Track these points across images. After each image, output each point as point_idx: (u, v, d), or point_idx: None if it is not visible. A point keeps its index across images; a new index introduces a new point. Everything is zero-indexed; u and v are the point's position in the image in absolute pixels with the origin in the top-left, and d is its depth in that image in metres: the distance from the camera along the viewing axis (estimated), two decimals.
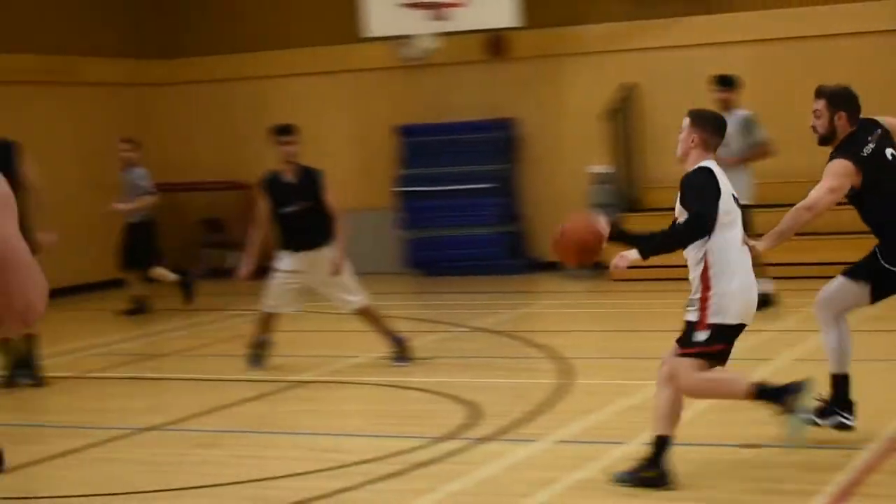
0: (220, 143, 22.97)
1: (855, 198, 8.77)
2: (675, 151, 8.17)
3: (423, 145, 21.17)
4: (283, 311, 13.19)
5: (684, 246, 7.85)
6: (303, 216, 12.70)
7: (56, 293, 20.40)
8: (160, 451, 9.99)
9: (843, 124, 8.81)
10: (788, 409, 7.85)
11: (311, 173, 12.97)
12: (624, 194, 20.17)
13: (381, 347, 13.16)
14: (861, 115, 8.93)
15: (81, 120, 21.83)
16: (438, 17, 19.34)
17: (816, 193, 8.64)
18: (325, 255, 12.73)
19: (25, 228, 10.44)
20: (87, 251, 21.25)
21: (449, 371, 12.78)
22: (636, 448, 8.54)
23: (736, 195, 8.06)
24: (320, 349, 14.64)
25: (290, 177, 12.90)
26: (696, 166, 7.94)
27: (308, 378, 12.66)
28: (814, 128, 8.98)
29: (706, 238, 7.74)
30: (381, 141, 21.49)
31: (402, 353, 13.01)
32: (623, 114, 20.16)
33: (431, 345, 14.31)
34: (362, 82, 21.98)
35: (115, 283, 20.84)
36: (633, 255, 7.69)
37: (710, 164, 7.99)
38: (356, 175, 21.95)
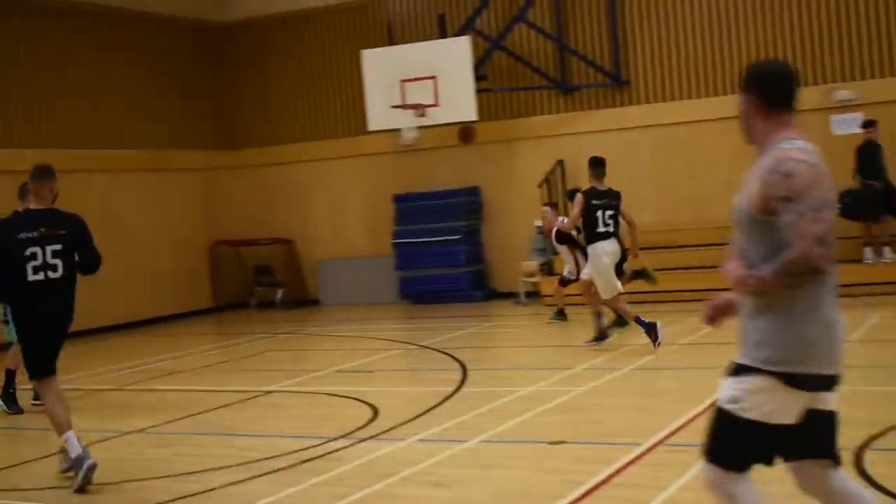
0: (267, 210, 22.54)
1: None
2: None
3: (412, 208, 20.71)
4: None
5: None
6: None
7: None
8: (125, 451, 9.29)
9: None
10: None
11: None
12: None
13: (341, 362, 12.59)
14: None
15: (170, 196, 21.48)
16: (419, 115, 18.87)
17: None
18: None
19: None
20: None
21: (374, 381, 12.04)
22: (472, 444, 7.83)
23: None
24: (292, 364, 14.01)
25: None
26: None
27: (273, 389, 11.97)
28: None
29: None
30: (383, 205, 21.00)
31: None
32: (555, 182, 19.53)
33: (379, 361, 13.62)
34: (369, 163, 21.52)
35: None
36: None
37: None
38: (364, 231, 21.55)
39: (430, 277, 20.38)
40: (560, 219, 15.11)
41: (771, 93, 4.06)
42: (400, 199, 20.86)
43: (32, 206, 8.24)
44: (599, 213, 12.58)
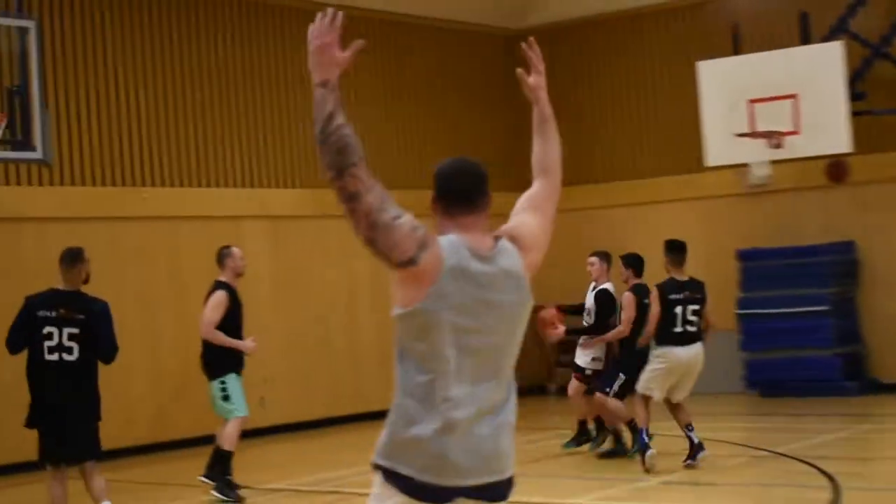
0: (572, 266, 22.09)
1: None
2: None
3: (764, 269, 20.39)
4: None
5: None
6: None
7: None
8: None
9: None
10: None
11: None
12: None
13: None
14: None
15: None
16: (774, 146, 18.62)
17: None
18: None
19: None
20: None
21: (713, 497, 11.78)
22: None
23: None
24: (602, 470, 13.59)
25: None
26: None
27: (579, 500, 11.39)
28: None
29: None
30: (724, 264, 20.32)
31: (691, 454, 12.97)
32: None
33: (719, 470, 13.17)
34: (706, 209, 21.20)
35: None
36: None
37: None
38: None
39: (787, 361, 19.72)
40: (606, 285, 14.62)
41: (445, 193, 4.57)
42: (747, 257, 20.32)
43: (60, 286, 9.90)
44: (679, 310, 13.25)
